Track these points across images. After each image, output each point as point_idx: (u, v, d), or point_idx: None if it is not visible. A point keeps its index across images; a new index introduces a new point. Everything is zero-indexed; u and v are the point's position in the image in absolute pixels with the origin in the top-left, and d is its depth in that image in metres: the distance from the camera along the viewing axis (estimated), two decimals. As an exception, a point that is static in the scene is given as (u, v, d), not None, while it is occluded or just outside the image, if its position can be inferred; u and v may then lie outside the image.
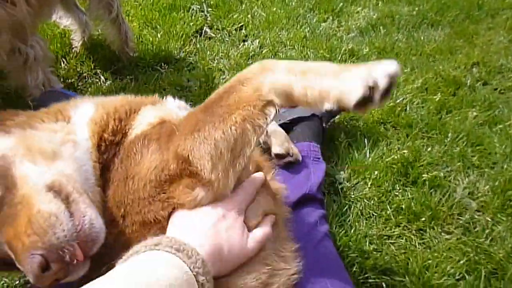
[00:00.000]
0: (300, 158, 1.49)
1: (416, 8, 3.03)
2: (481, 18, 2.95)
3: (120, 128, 1.10)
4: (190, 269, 0.81)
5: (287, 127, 1.72)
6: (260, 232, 0.99)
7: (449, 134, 1.95)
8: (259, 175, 1.05)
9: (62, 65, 2.23)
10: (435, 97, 2.19)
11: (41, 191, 0.93)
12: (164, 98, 1.30)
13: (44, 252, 0.84)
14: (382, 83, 0.83)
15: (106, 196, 1.05)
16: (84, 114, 1.14)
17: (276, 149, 1.45)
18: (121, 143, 1.08)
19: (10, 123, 1.10)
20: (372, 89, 0.83)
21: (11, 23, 1.56)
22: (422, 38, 2.73)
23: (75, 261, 0.85)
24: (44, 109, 1.19)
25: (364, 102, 0.84)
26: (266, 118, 0.94)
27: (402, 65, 2.41)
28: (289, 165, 1.50)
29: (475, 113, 2.08)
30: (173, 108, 1.24)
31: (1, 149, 1.00)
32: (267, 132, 1.43)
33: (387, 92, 0.84)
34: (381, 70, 0.84)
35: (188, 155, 0.93)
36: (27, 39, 1.70)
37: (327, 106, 0.89)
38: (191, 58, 2.38)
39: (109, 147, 1.08)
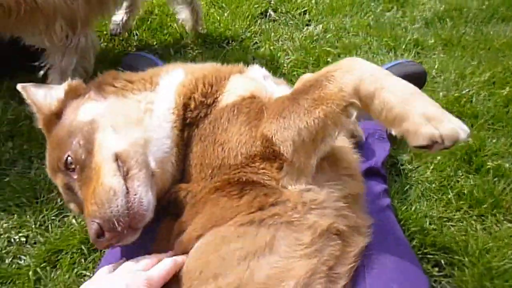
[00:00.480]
0: (364, 139, 1.47)
1: (486, 2, 2.96)
2: (555, 15, 2.87)
3: (211, 92, 1.21)
4: None
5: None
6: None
7: (516, 127, 1.93)
8: (180, 259, 1.04)
9: (135, 37, 2.35)
10: (502, 91, 2.15)
11: (109, 160, 1.06)
12: (250, 66, 1.38)
13: (100, 221, 0.99)
14: (446, 145, 0.90)
15: (191, 150, 1.16)
16: (174, 79, 1.26)
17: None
18: (212, 106, 1.19)
19: (109, 89, 1.24)
20: (433, 142, 0.90)
21: (66, 11, 1.68)
22: (491, 32, 2.67)
23: (125, 232, 1.00)
24: (140, 74, 1.32)
25: (424, 147, 0.92)
26: (347, 117, 1.00)
27: (469, 57, 2.40)
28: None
29: (545, 108, 2.04)
30: (259, 77, 1.31)
31: (94, 113, 1.16)
32: None
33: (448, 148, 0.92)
34: (451, 135, 0.90)
35: (272, 137, 1.02)
36: (76, 29, 1.78)
37: (392, 131, 0.97)
38: (256, 38, 2.45)
39: (199, 107, 1.19)
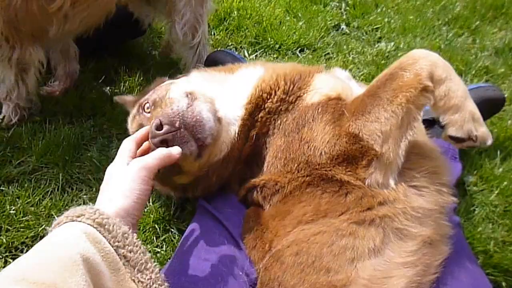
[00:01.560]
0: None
1: (561, 37, 2.93)
2: None
3: (293, 90, 1.29)
4: (110, 244, 0.82)
5: (430, 123, 1.78)
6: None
7: None
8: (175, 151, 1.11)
9: (213, 36, 2.46)
10: None
11: (180, 92, 1.24)
12: (334, 68, 1.46)
13: (161, 117, 1.12)
14: (476, 144, 1.13)
15: (273, 142, 1.25)
16: (254, 73, 1.36)
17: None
18: (295, 103, 1.27)
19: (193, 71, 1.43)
20: (468, 138, 1.11)
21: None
22: None
23: (182, 130, 1.12)
24: (221, 66, 1.49)
25: (457, 139, 1.13)
26: (427, 98, 1.10)
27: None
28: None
29: None
30: (345, 78, 1.38)
31: (174, 81, 1.36)
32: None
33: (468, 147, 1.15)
34: (484, 138, 1.14)
35: (359, 132, 1.10)
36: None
37: (441, 118, 1.14)
38: (328, 49, 2.51)
39: (281, 103, 1.28)
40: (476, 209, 1.68)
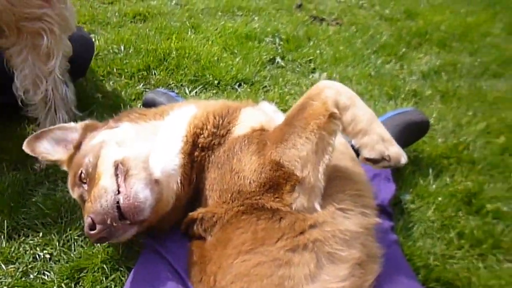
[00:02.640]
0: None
1: (479, 59, 3.15)
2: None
3: (223, 124, 1.35)
4: None
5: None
6: None
7: (512, 174, 2.03)
8: None
9: (154, 76, 2.47)
10: (498, 140, 2.28)
11: (108, 166, 1.23)
12: (260, 102, 1.52)
13: (92, 215, 1.13)
14: (390, 164, 1.20)
15: (208, 175, 1.29)
16: (186, 112, 1.41)
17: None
18: (225, 136, 1.33)
19: (125, 118, 1.43)
20: (382, 158, 1.18)
21: None
22: (484, 87, 2.83)
23: (115, 225, 1.13)
24: (154, 109, 1.51)
25: (372, 161, 1.20)
26: (336, 124, 1.19)
27: (464, 108, 2.54)
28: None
29: (540, 158, 2.15)
30: (269, 111, 1.44)
31: (104, 136, 1.35)
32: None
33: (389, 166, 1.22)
34: (396, 157, 1.20)
35: (280, 159, 1.16)
36: None
37: (353, 142, 1.22)
38: (265, 82, 2.58)
39: (212, 136, 1.33)
40: (415, 226, 1.74)
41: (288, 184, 1.14)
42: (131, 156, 1.25)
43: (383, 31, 3.48)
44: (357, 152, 1.27)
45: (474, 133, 2.31)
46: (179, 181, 1.29)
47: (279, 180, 1.15)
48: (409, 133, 1.96)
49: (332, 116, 1.16)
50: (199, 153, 1.31)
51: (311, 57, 2.94)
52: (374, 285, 1.16)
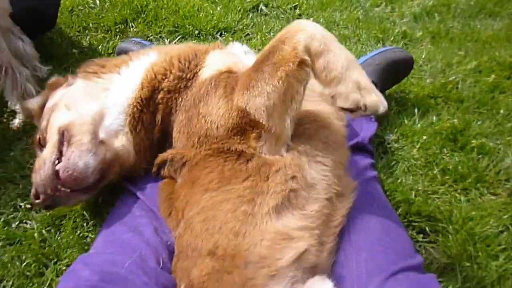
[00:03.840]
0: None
1: (474, -1, 3.13)
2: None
3: (189, 67, 1.39)
4: None
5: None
6: None
7: (501, 111, 2.07)
8: None
9: (132, 28, 2.50)
10: (488, 78, 2.30)
11: (53, 134, 1.31)
12: (231, 43, 1.55)
13: (35, 186, 1.26)
14: (367, 113, 1.14)
15: (176, 118, 1.36)
16: (147, 60, 1.45)
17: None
18: (192, 79, 1.37)
19: (81, 75, 1.48)
20: (357, 107, 1.13)
21: None
22: (478, 26, 2.83)
23: (57, 193, 1.24)
24: (114, 59, 1.56)
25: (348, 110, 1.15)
26: (306, 72, 1.16)
27: (456, 48, 2.56)
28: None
29: (530, 95, 2.18)
30: (240, 52, 1.47)
31: (58, 98, 1.42)
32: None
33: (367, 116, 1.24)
34: (373, 106, 1.13)
35: (246, 107, 1.17)
36: None
37: (326, 91, 1.17)
38: (248, 30, 2.60)
39: (179, 80, 1.38)
40: (397, 164, 1.80)
41: (255, 132, 1.17)
42: (76, 120, 1.32)
43: (373, -26, 3.44)
44: None
45: (464, 72, 2.33)
46: (128, 133, 1.37)
47: (245, 127, 1.18)
48: (392, 72, 1.99)
49: (302, 63, 1.13)
50: (164, 95, 1.36)
51: (296, 3, 2.93)
52: (344, 220, 1.22)
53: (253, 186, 1.13)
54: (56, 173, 1.23)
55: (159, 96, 1.36)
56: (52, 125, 1.33)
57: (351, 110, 1.15)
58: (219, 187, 1.15)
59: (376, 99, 1.13)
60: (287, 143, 1.20)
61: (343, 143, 1.34)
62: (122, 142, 1.34)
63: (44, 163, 1.26)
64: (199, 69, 1.38)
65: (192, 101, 1.31)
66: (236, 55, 1.47)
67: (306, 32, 1.15)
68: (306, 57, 1.13)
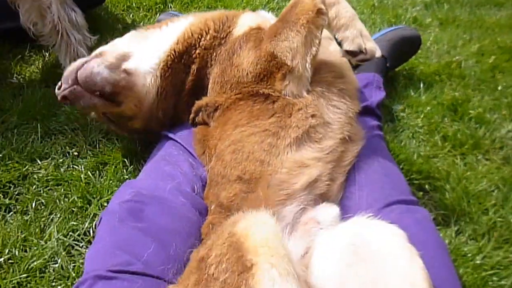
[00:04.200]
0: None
1: (482, -10, 3.05)
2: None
3: (223, 28, 1.44)
4: None
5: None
6: None
7: (499, 88, 2.04)
8: None
9: (170, 8, 2.53)
10: (489, 59, 2.25)
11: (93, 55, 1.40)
12: (258, 11, 1.58)
13: (62, 79, 1.34)
14: (366, 57, 1.24)
15: (211, 71, 1.40)
16: (185, 21, 1.50)
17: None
18: (226, 38, 1.41)
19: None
20: (360, 51, 1.23)
21: None
22: (483, 14, 2.77)
23: (74, 87, 1.31)
24: (157, 23, 1.62)
25: (351, 53, 1.25)
26: (323, 19, 1.23)
27: (461, 33, 2.51)
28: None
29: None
30: (267, 15, 1.50)
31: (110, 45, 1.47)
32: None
33: (362, 60, 1.27)
34: (372, 50, 1.24)
35: (273, 51, 1.24)
36: None
37: (336, 36, 1.27)
38: (274, 13, 2.57)
39: (214, 40, 1.42)
40: (403, 130, 1.79)
41: (280, 73, 1.22)
42: (109, 49, 1.41)
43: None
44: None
45: (467, 53, 2.29)
46: (157, 76, 1.40)
47: (272, 69, 1.23)
48: (402, 48, 1.96)
49: (319, 11, 1.21)
50: (200, 51, 1.40)
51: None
52: (353, 161, 1.24)
53: (278, 122, 1.18)
54: (77, 71, 1.31)
55: (196, 52, 1.40)
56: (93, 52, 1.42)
57: (353, 54, 1.25)
58: (248, 123, 1.20)
59: (374, 45, 1.25)
60: (307, 86, 1.24)
61: (356, 94, 1.37)
62: (147, 81, 1.38)
63: (75, 63, 1.35)
64: (232, 29, 1.43)
65: (226, 54, 1.36)
66: (265, 17, 1.52)
67: None
68: (323, 6, 1.22)
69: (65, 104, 1.52)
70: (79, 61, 1.35)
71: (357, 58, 1.26)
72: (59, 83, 1.34)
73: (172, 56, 1.40)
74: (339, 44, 1.29)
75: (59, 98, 1.33)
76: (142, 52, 1.41)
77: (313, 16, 1.21)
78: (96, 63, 1.32)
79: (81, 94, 1.31)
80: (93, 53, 1.41)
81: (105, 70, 1.32)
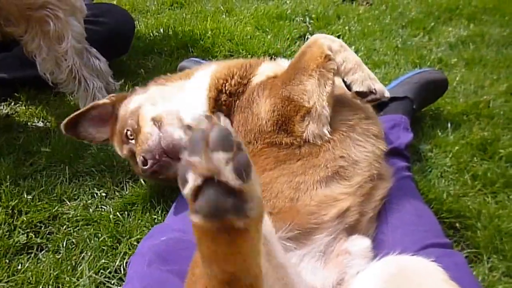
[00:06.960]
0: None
1: (508, 30, 3.24)
2: None
3: (246, 75, 1.63)
4: None
5: (381, 103, 2.04)
6: None
7: (531, 128, 2.17)
8: None
9: (191, 53, 2.77)
10: (519, 99, 2.40)
11: (148, 120, 1.56)
12: (277, 59, 1.79)
13: (143, 154, 1.48)
14: (376, 96, 1.43)
15: (234, 118, 1.56)
16: (209, 69, 1.70)
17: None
18: (247, 85, 1.60)
19: (151, 83, 1.76)
20: (370, 91, 1.42)
21: None
22: (511, 54, 2.94)
23: (163, 159, 1.46)
24: (178, 73, 1.84)
25: (361, 94, 1.43)
26: (332, 63, 1.42)
27: (488, 73, 2.67)
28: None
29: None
30: (286, 64, 1.69)
31: (139, 101, 1.67)
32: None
33: (373, 100, 1.45)
34: (381, 91, 1.44)
35: (289, 95, 1.41)
36: None
37: (345, 80, 1.45)
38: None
39: (238, 86, 1.60)
40: (431, 169, 1.92)
41: (298, 115, 1.38)
42: (163, 111, 1.57)
43: (413, 8, 3.62)
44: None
45: (495, 92, 2.44)
46: None
47: (290, 114, 1.39)
48: (428, 91, 2.13)
49: (327, 57, 1.40)
50: (226, 97, 1.57)
51: (339, 33, 3.15)
52: (384, 198, 1.38)
53: (306, 163, 1.32)
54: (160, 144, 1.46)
55: (222, 98, 1.57)
56: (143, 117, 1.57)
57: (363, 95, 1.43)
58: (275, 167, 1.34)
59: (382, 86, 1.45)
60: (327, 125, 1.38)
61: (381, 135, 1.50)
62: None
63: (150, 134, 1.49)
64: (252, 76, 1.61)
65: (246, 102, 1.53)
66: (283, 66, 1.68)
67: (326, 39, 1.47)
68: (330, 52, 1.41)
69: (152, 178, 1.61)
70: (155, 133, 1.50)
71: (367, 98, 1.44)
72: (141, 158, 1.48)
73: (210, 103, 1.58)
74: (348, 87, 1.48)
75: (147, 175, 1.50)
76: (187, 105, 1.58)
77: (322, 61, 1.40)
78: (171, 129, 1.49)
79: (169, 164, 1.47)
80: (150, 121, 1.55)
81: (181, 132, 1.49)
